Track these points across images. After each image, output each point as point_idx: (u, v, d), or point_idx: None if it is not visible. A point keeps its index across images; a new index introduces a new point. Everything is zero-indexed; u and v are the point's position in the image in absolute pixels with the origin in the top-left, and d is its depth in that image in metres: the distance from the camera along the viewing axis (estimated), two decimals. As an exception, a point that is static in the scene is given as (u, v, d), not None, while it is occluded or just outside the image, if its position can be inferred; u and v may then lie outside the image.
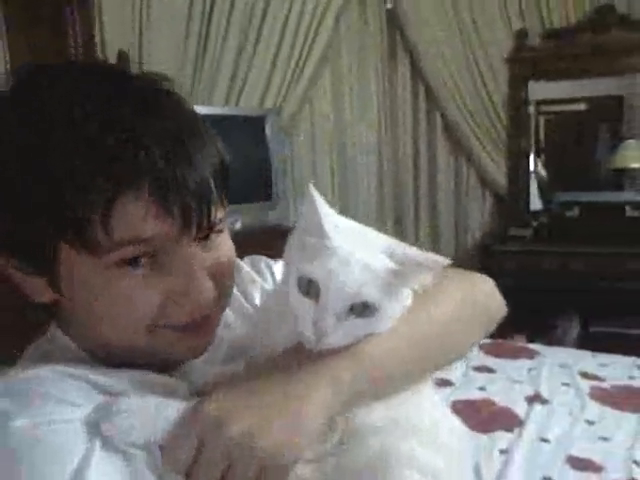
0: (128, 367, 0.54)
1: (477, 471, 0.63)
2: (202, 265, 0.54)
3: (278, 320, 0.55)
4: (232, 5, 2.61)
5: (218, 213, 0.55)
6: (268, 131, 2.52)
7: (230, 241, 0.60)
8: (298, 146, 2.95)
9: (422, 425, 0.55)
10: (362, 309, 0.50)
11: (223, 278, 0.57)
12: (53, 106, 0.49)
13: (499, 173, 2.86)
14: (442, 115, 2.91)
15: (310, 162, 2.98)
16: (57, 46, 1.88)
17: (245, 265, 0.76)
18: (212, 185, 0.53)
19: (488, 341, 1.83)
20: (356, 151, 3.01)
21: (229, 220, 0.60)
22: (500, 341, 1.88)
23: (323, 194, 0.53)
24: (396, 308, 0.52)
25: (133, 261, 0.50)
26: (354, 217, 0.56)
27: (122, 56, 2.21)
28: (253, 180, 2.46)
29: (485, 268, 2.37)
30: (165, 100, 0.53)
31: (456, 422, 0.63)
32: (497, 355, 1.69)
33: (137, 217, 0.48)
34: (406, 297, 0.53)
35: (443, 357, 0.62)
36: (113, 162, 0.47)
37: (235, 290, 0.69)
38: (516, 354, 1.70)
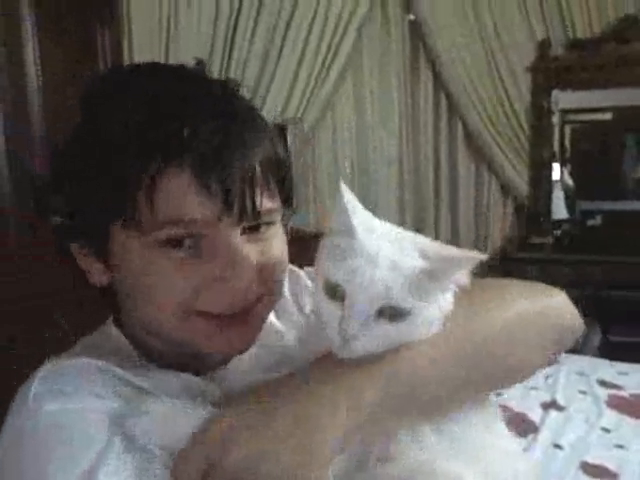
0: (169, 367, 0.55)
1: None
2: (246, 255, 0.51)
3: (318, 330, 0.51)
4: (256, 17, 2.66)
5: (266, 201, 0.53)
6: (289, 139, 2.57)
7: (283, 239, 0.58)
8: (319, 154, 2.99)
9: (471, 446, 0.49)
10: (392, 312, 0.45)
11: (270, 274, 0.55)
12: (108, 107, 0.52)
13: (521, 182, 2.86)
14: (463, 124, 2.91)
15: (331, 171, 3.02)
16: (88, 57, 1.97)
17: (301, 273, 0.73)
18: (259, 170, 0.52)
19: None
20: (377, 160, 3.03)
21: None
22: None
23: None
24: (432, 312, 0.47)
25: (177, 242, 0.50)
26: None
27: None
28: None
29: (505, 276, 2.37)
30: (219, 88, 0.54)
31: (516, 447, 0.56)
32: (515, 362, 1.70)
33: (179, 195, 0.49)
34: (446, 300, 0.48)
35: (500, 375, 0.54)
36: (157, 138, 0.48)
37: (288, 297, 0.68)
38: (534, 361, 1.71)
